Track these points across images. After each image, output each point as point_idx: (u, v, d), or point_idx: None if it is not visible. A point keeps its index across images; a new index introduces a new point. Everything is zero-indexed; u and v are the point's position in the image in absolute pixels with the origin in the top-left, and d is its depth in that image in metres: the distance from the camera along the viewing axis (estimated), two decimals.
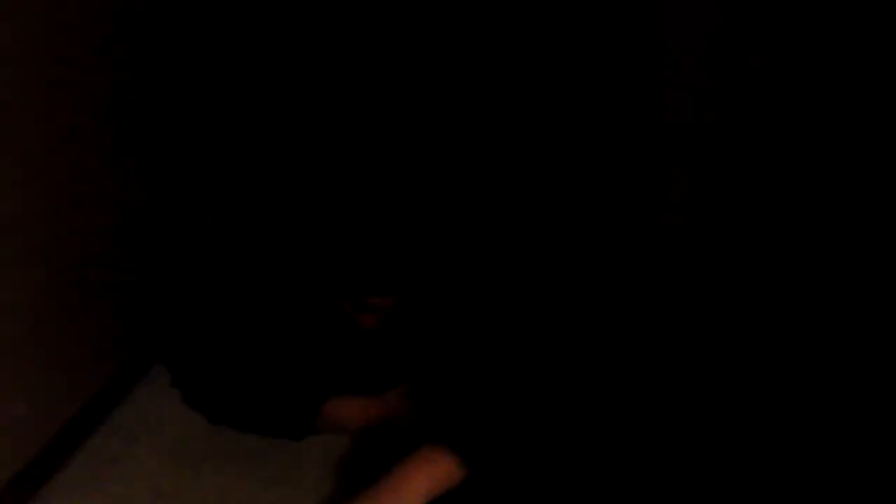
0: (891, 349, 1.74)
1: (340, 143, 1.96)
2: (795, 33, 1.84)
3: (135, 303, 1.79)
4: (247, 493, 1.48)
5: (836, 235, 1.86)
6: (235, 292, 1.77)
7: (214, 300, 1.84)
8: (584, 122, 1.99)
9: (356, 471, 1.53)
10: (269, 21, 2.05)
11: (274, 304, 1.69)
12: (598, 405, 1.41)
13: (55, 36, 1.48)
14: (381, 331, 1.62)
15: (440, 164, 1.99)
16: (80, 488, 1.48)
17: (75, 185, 1.56)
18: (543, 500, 1.32)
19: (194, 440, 1.60)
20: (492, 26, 1.99)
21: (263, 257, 1.89)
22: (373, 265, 1.58)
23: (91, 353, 1.64)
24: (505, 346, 1.50)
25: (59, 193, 1.51)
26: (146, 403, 1.71)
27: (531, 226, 2.01)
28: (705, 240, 1.94)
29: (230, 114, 2.10)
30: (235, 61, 2.08)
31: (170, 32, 1.92)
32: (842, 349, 1.77)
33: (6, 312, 1.38)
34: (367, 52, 2.03)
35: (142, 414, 1.68)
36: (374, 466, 1.52)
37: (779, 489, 1.45)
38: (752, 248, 1.93)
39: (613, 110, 1.98)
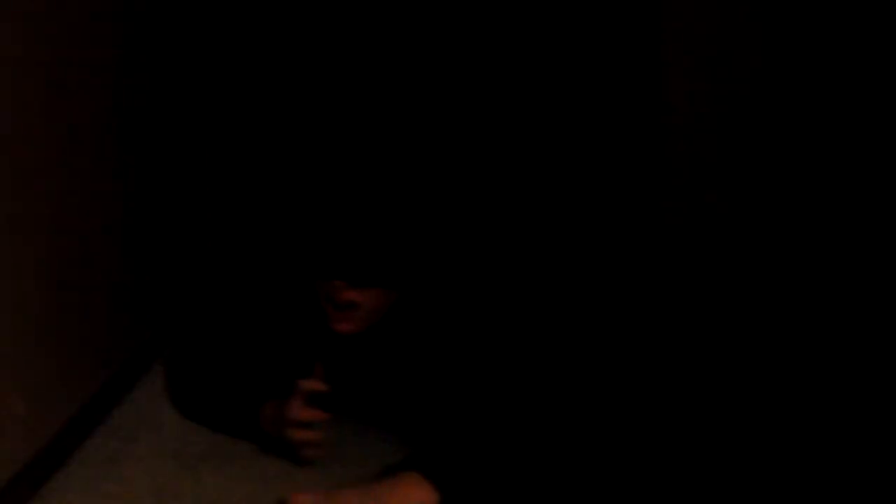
0: (891, 349, 1.74)
1: (335, 136, 1.96)
2: (795, 33, 1.84)
3: (135, 303, 1.79)
4: (247, 492, 1.48)
5: (836, 235, 1.86)
6: (222, 285, 1.77)
7: (202, 293, 1.84)
8: (585, 122, 1.99)
9: (356, 471, 1.53)
10: (265, 21, 2.06)
11: (256, 296, 1.67)
12: (579, 438, 1.42)
13: (55, 36, 1.48)
14: (359, 340, 1.58)
15: (436, 162, 1.99)
16: (80, 488, 1.48)
17: (75, 185, 1.56)
18: None
19: (194, 440, 1.60)
20: (491, 27, 1.99)
21: (251, 245, 1.88)
22: (348, 246, 1.51)
23: (91, 353, 1.64)
24: (487, 368, 1.50)
25: (58, 193, 1.51)
26: (146, 403, 1.71)
27: (530, 228, 2.01)
28: (705, 241, 1.94)
29: (227, 111, 2.10)
30: (233, 61, 2.08)
31: (169, 33, 1.92)
32: (842, 349, 1.77)
33: (6, 312, 1.38)
34: (364, 47, 2.03)
35: (142, 414, 1.68)
36: (373, 466, 1.53)
37: (779, 489, 1.45)
38: (752, 249, 1.93)
39: (614, 111, 1.98)
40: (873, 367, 1.72)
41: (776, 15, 1.83)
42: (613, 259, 1.98)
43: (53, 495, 1.47)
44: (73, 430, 1.57)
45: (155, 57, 1.85)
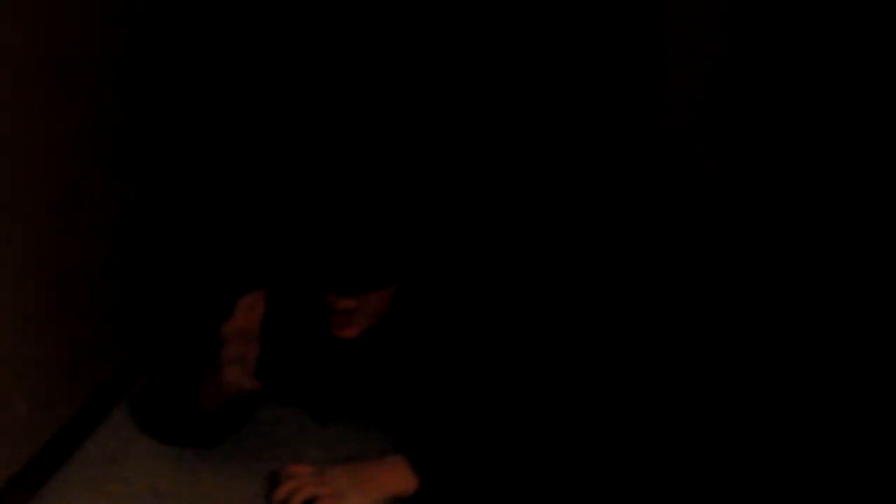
0: (891, 349, 1.74)
1: (334, 143, 1.95)
2: (796, 34, 1.84)
3: (134, 303, 1.79)
4: (247, 492, 1.48)
5: (836, 235, 1.86)
6: (219, 291, 1.75)
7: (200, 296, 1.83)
8: (585, 122, 1.99)
9: None
10: (267, 22, 2.06)
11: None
12: (566, 437, 1.42)
13: (55, 36, 1.48)
14: (361, 345, 1.56)
15: (431, 165, 1.99)
16: (79, 488, 1.48)
17: (75, 184, 1.56)
18: None
19: None
20: (492, 27, 1.99)
21: (245, 256, 1.86)
22: (332, 261, 1.46)
23: (91, 353, 1.64)
24: (481, 363, 1.50)
25: (58, 193, 1.51)
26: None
27: (529, 229, 2.01)
28: (704, 241, 1.94)
29: (228, 113, 2.10)
30: (235, 61, 2.08)
31: (170, 32, 1.92)
32: (842, 349, 1.77)
33: (7, 312, 1.38)
34: (367, 49, 2.03)
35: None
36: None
37: (778, 489, 1.45)
38: (751, 249, 1.93)
39: (614, 111, 1.98)
40: (873, 367, 1.72)
41: (777, 15, 1.83)
42: (612, 258, 1.98)
43: (53, 495, 1.47)
44: (73, 430, 1.57)
45: (156, 56, 1.85)
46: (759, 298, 1.91)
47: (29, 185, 1.43)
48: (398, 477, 1.40)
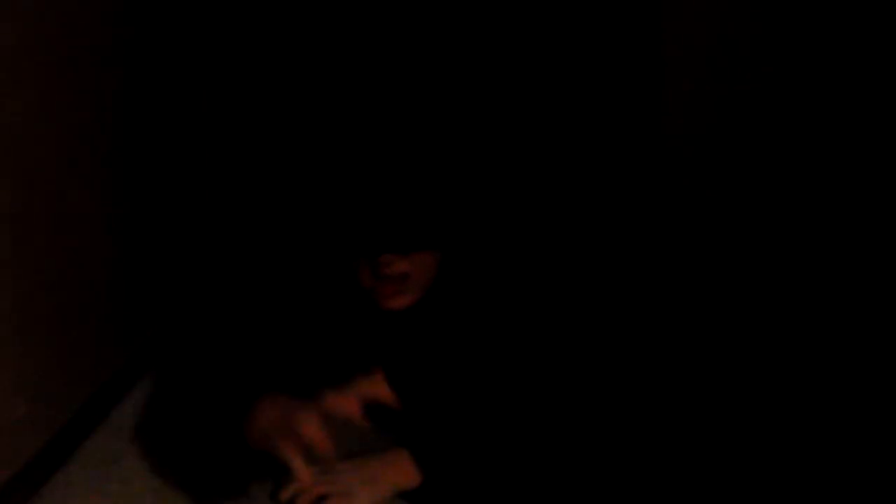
0: (891, 349, 1.74)
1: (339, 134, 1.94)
2: (796, 33, 1.84)
3: (135, 303, 1.79)
4: (247, 493, 1.47)
5: (836, 235, 1.86)
6: (249, 287, 1.72)
7: (216, 300, 1.82)
8: (584, 122, 1.99)
9: None
10: (269, 18, 2.06)
11: (288, 292, 1.61)
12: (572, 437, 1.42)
13: (55, 36, 1.48)
14: (407, 321, 1.52)
15: (445, 161, 1.99)
16: (80, 488, 1.48)
17: (75, 184, 1.56)
18: None
19: None
20: (493, 27, 1.99)
21: (280, 239, 1.82)
22: (390, 212, 1.43)
23: (91, 352, 1.64)
24: (488, 360, 1.50)
25: (58, 192, 1.51)
26: (146, 403, 1.71)
27: (531, 229, 2.00)
28: (705, 240, 1.94)
29: (230, 108, 2.10)
30: (235, 58, 2.08)
31: (170, 32, 1.92)
32: (842, 349, 1.77)
33: (6, 312, 1.38)
34: (371, 46, 2.03)
35: (142, 414, 1.68)
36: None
37: (778, 489, 1.45)
38: (751, 250, 1.93)
39: (613, 111, 1.98)
40: (873, 367, 1.72)
41: (777, 14, 1.83)
42: (613, 258, 1.98)
43: (53, 495, 1.47)
44: (73, 430, 1.57)
45: (156, 56, 1.85)
46: (760, 298, 1.91)
47: (28, 185, 1.43)
48: (403, 471, 1.39)
